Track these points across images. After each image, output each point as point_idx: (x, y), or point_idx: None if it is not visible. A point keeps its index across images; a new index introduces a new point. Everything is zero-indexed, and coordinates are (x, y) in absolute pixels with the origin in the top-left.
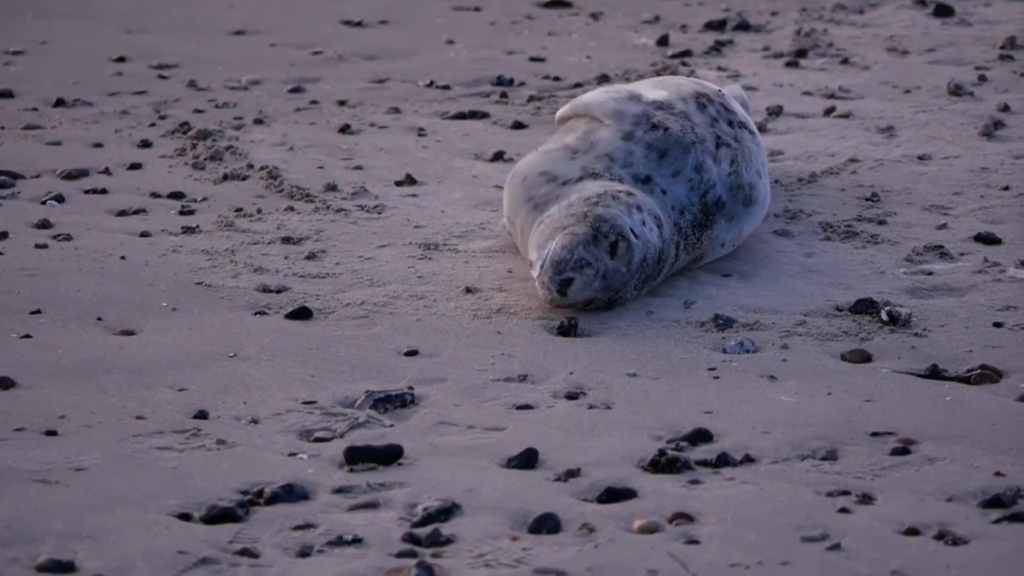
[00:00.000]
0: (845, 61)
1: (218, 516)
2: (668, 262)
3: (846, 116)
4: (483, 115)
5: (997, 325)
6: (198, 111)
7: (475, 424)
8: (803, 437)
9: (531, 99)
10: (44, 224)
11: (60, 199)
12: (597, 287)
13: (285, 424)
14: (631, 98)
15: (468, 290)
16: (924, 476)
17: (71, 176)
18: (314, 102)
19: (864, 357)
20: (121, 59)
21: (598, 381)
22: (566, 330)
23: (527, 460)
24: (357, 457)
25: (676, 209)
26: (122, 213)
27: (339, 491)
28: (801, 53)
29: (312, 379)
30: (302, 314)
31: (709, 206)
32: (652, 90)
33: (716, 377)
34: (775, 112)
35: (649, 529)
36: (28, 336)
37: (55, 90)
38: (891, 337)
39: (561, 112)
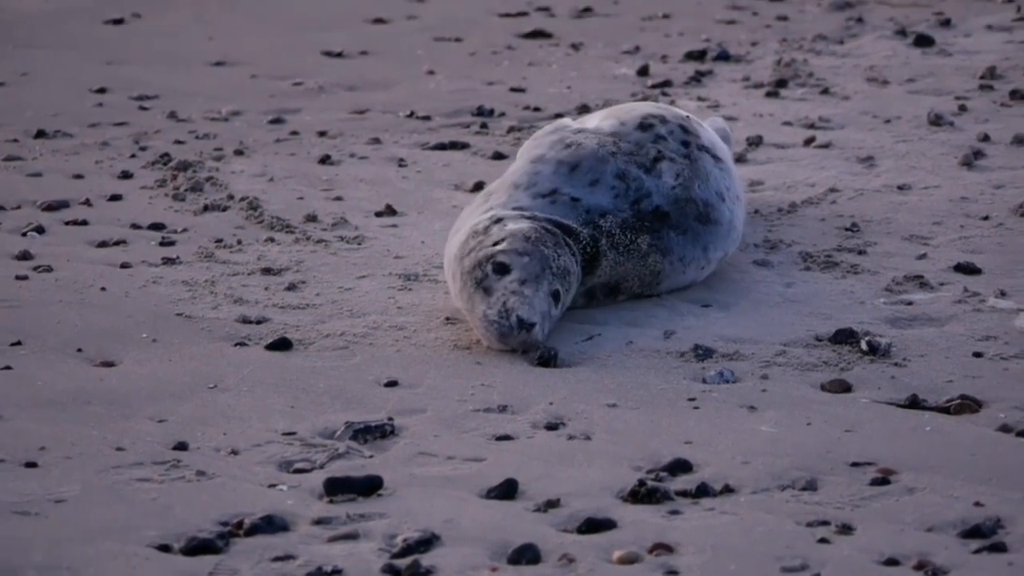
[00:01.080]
0: (825, 91)
1: (198, 547)
2: (578, 250)
3: (826, 146)
4: (463, 145)
5: (977, 355)
6: (178, 142)
7: (455, 455)
8: (783, 467)
9: (511, 130)
10: (24, 255)
11: (40, 230)
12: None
13: (265, 455)
14: (555, 130)
15: (448, 320)
16: (904, 506)
17: (51, 207)
18: (294, 133)
19: (844, 387)
20: (102, 90)
21: (578, 411)
22: (546, 360)
23: (507, 491)
24: (337, 488)
25: (595, 212)
26: (102, 244)
27: (319, 522)
28: (781, 83)
29: (292, 410)
30: (282, 345)
31: (644, 213)
32: (598, 119)
33: (696, 407)
34: (755, 142)
35: (629, 560)
36: (8, 367)
37: (36, 121)
38: (871, 367)
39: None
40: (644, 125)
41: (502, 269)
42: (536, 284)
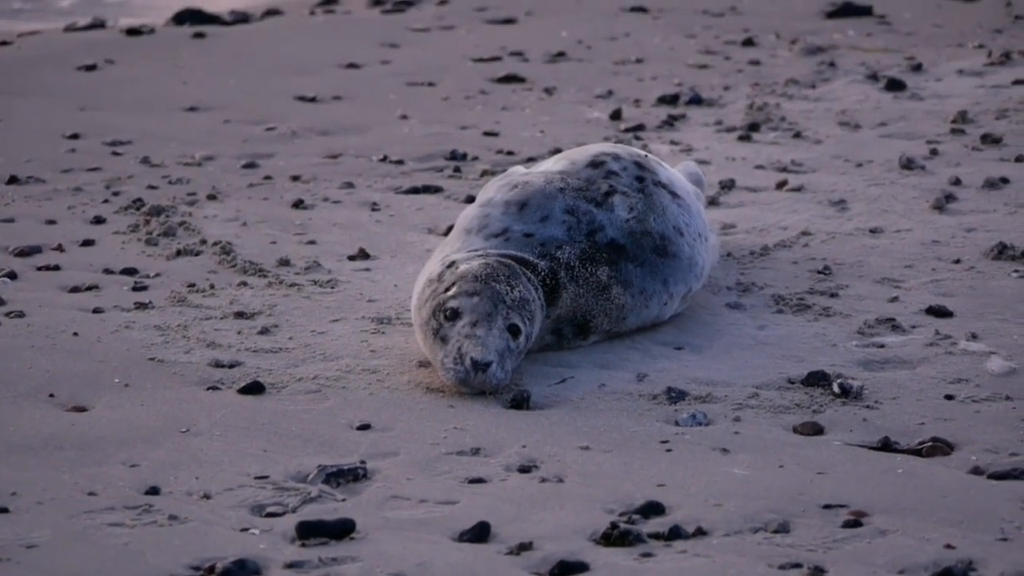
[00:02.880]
0: (797, 135)
1: None
2: (537, 281)
3: (798, 189)
4: (436, 189)
5: (948, 398)
6: (151, 187)
7: (427, 498)
8: (755, 510)
9: (484, 173)
10: None
11: (13, 276)
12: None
13: (237, 499)
14: (504, 175)
15: (421, 364)
16: (876, 548)
17: (24, 253)
18: (267, 177)
19: (816, 429)
20: (75, 136)
21: (550, 454)
22: (519, 403)
23: (479, 534)
24: (309, 532)
25: (551, 245)
26: (75, 289)
27: (291, 566)
28: (754, 127)
29: (264, 454)
30: (255, 389)
31: (600, 245)
32: (551, 163)
33: (668, 450)
34: (727, 185)
35: None
36: None
37: (8, 167)
38: (843, 409)
39: None
40: (595, 163)
41: (454, 315)
42: (488, 322)
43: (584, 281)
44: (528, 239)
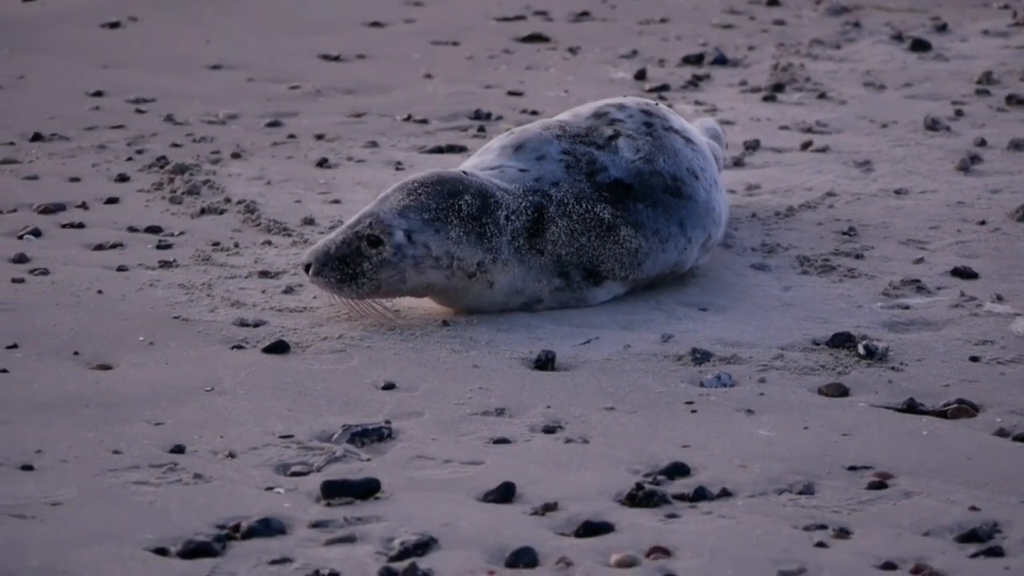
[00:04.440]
0: (822, 95)
1: (195, 550)
2: (519, 212)
3: (823, 150)
4: (460, 149)
5: (974, 359)
6: (175, 145)
7: (452, 458)
8: (780, 471)
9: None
10: (21, 259)
11: (37, 233)
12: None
13: (262, 458)
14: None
15: (445, 323)
16: (901, 510)
17: (48, 210)
18: (292, 136)
19: (841, 391)
20: (98, 94)
21: (575, 415)
22: (543, 364)
23: (504, 494)
24: (334, 491)
25: (546, 181)
26: (99, 247)
27: (316, 525)
28: (778, 87)
29: (289, 413)
30: (279, 348)
31: (602, 185)
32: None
33: (693, 411)
34: (752, 146)
35: (626, 563)
36: (4, 371)
37: (32, 125)
38: (868, 371)
39: None
40: (598, 113)
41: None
42: (342, 229)
43: (580, 218)
44: (522, 173)
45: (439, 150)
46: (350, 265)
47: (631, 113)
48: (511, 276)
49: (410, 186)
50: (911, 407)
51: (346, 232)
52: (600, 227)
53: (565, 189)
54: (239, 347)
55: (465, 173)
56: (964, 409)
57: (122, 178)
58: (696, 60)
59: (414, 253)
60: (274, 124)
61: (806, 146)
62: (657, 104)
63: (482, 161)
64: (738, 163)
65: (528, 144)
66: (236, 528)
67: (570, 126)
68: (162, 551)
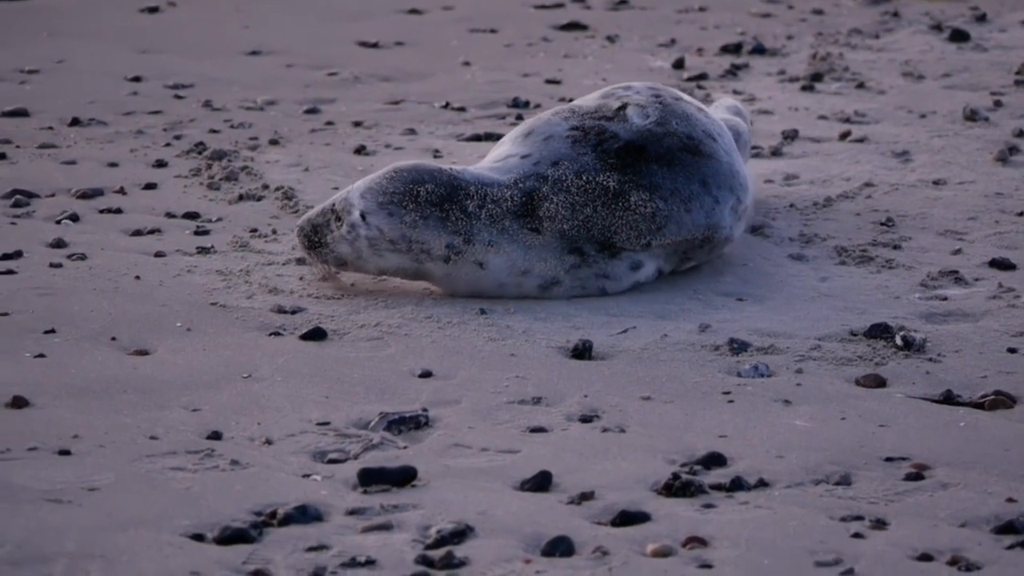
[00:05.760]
0: (861, 85)
1: (231, 537)
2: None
3: (861, 140)
4: (498, 136)
5: (1011, 351)
6: (213, 131)
7: (489, 446)
8: (817, 462)
9: None
10: (59, 243)
11: (75, 218)
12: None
13: (299, 445)
14: None
15: (482, 312)
16: (937, 501)
17: (86, 195)
18: (329, 123)
19: (878, 382)
20: (136, 79)
21: (612, 404)
22: (580, 353)
23: (541, 483)
24: (371, 479)
25: (546, 163)
26: (137, 233)
27: (352, 513)
28: (817, 77)
29: (326, 400)
30: (317, 335)
31: (610, 151)
32: None
33: (730, 401)
34: (790, 136)
35: (663, 553)
36: (42, 355)
37: (70, 109)
38: (905, 362)
39: None
40: (606, 95)
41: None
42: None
43: (580, 190)
44: (523, 159)
45: (477, 138)
46: (318, 233)
47: (638, 90)
48: (507, 257)
49: (386, 171)
50: (948, 398)
51: (327, 202)
52: (605, 196)
53: (565, 166)
54: (276, 334)
55: (443, 168)
56: (1001, 400)
57: (160, 164)
58: (734, 49)
59: (368, 234)
60: (312, 111)
61: (844, 136)
62: (663, 87)
63: (497, 154)
64: (776, 153)
65: (537, 129)
66: (273, 515)
67: (579, 107)
68: (198, 537)
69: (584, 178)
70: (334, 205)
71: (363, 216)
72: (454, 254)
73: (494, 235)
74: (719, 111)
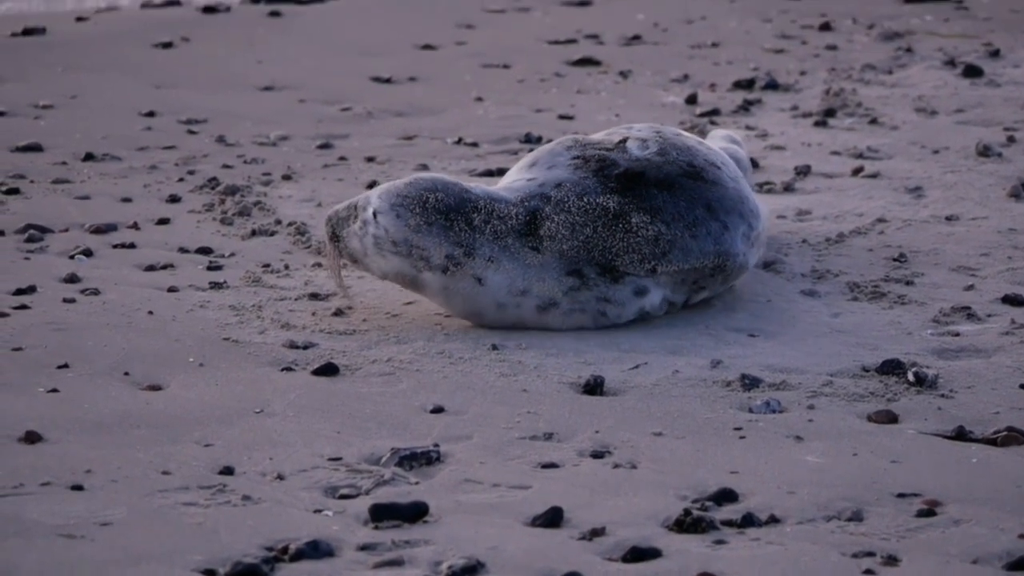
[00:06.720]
0: (874, 121)
1: (243, 572)
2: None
3: (874, 176)
4: None
5: None
6: (226, 166)
7: (500, 482)
8: (828, 498)
9: None
10: (72, 278)
11: (88, 253)
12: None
13: (311, 480)
14: None
15: (494, 347)
16: (949, 538)
17: (99, 230)
18: (342, 158)
19: (890, 418)
20: (150, 114)
21: (623, 440)
22: (592, 388)
23: (552, 518)
24: (382, 514)
25: (549, 184)
26: (150, 268)
27: (364, 548)
28: (830, 113)
29: (338, 435)
30: (329, 370)
31: (611, 177)
32: None
33: (742, 437)
34: (803, 171)
35: None
36: (55, 390)
37: (84, 144)
38: (917, 398)
39: None
40: (608, 133)
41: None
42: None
43: (580, 210)
44: (529, 182)
45: (489, 173)
46: (340, 226)
47: (640, 128)
48: (506, 274)
49: (408, 177)
50: (961, 434)
51: (356, 198)
52: (606, 216)
53: (567, 188)
54: (288, 369)
55: (460, 182)
56: (1014, 436)
57: (173, 199)
58: (747, 85)
59: (375, 232)
60: (325, 146)
61: (857, 172)
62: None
63: (504, 183)
64: (788, 188)
65: (542, 159)
66: (284, 550)
67: (582, 139)
68: (210, 572)
69: (585, 199)
70: (358, 202)
71: (375, 215)
72: (453, 265)
73: (495, 251)
74: (716, 141)
